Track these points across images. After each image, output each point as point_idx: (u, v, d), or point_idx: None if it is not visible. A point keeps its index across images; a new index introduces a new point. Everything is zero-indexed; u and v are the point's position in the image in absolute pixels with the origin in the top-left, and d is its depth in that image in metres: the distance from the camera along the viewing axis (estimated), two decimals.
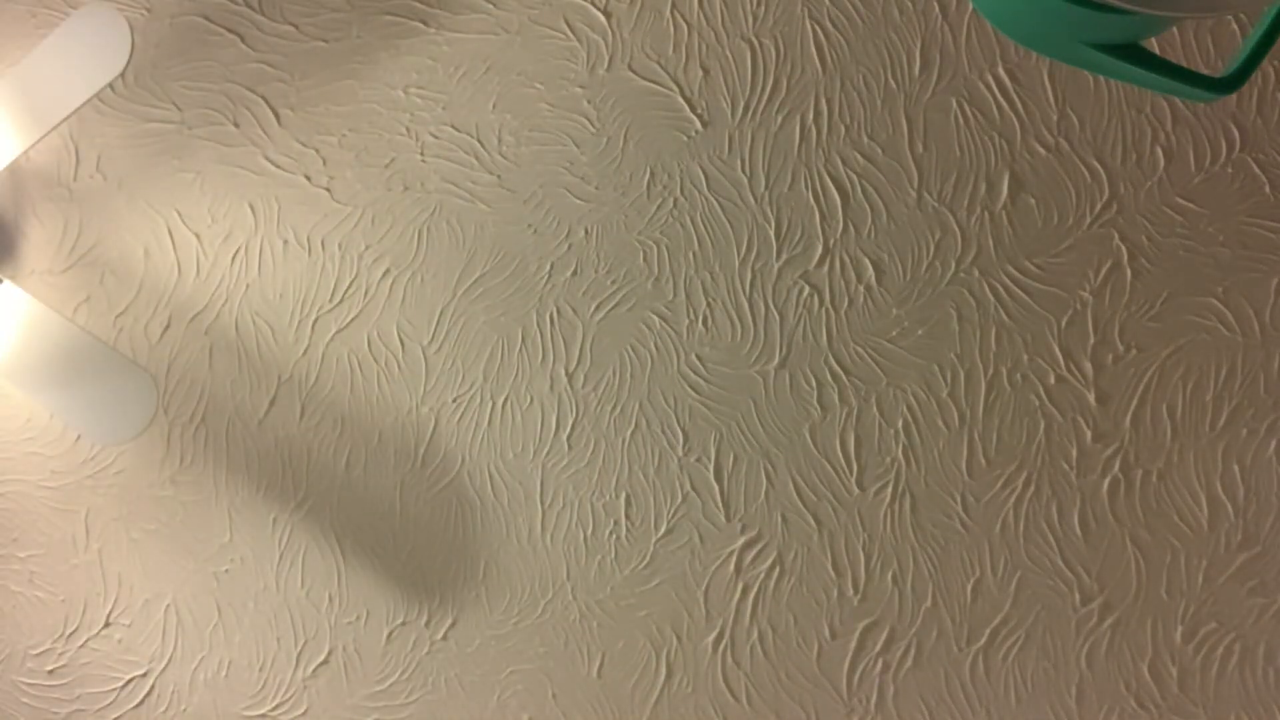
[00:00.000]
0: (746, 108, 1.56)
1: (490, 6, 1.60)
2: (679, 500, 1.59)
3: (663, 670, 1.60)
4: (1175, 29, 1.48)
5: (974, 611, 1.55)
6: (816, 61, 1.55)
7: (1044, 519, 1.53)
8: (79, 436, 1.69)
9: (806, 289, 1.55)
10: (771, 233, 1.56)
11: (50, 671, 1.72)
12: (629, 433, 1.59)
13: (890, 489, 1.55)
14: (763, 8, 1.55)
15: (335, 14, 1.63)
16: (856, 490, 1.56)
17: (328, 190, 1.64)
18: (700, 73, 1.57)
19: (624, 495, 1.60)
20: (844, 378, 1.55)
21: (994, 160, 1.52)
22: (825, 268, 1.55)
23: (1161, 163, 1.50)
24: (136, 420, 1.48)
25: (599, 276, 1.59)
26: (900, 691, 1.56)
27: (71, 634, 1.71)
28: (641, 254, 1.58)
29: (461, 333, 1.62)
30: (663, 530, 1.59)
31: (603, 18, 1.58)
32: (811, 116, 1.54)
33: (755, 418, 1.57)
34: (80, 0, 1.68)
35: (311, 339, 1.65)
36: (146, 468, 1.68)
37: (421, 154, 1.62)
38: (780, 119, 1.55)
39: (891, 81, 1.53)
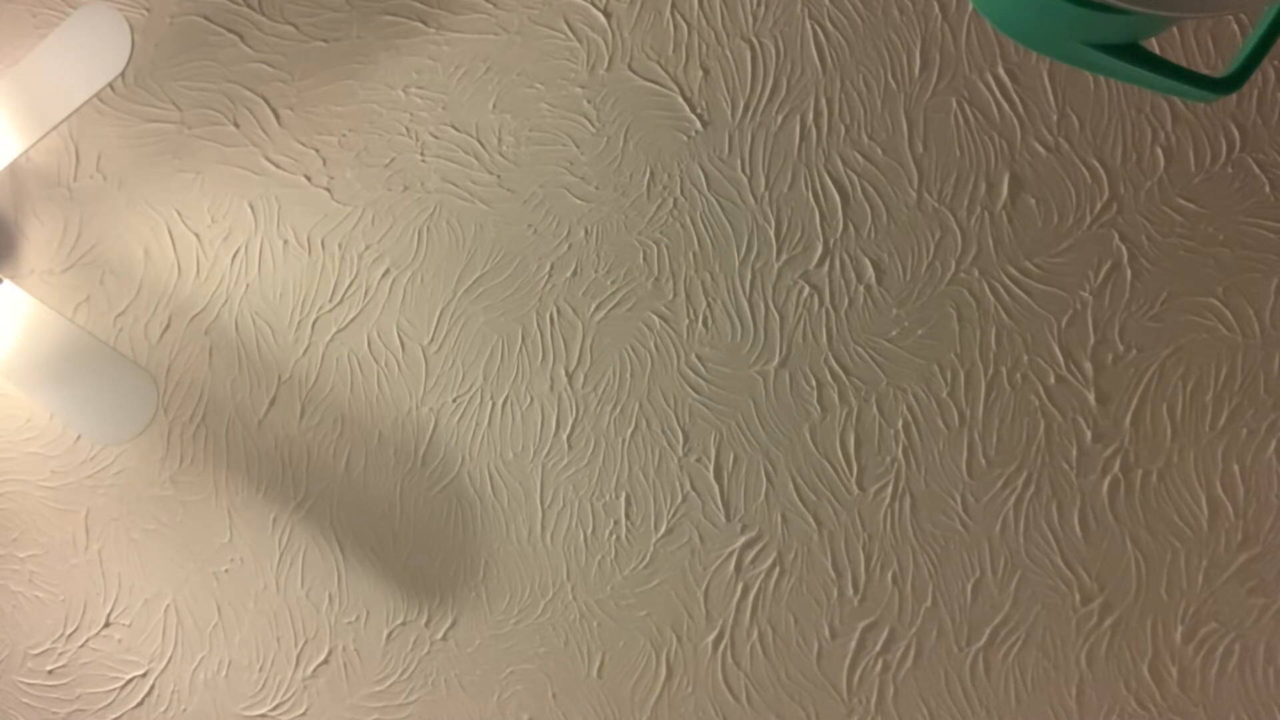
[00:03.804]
0: (746, 108, 1.56)
1: (490, 6, 1.60)
2: (679, 500, 1.59)
3: (663, 670, 1.60)
4: (1175, 29, 1.48)
5: (974, 611, 1.55)
6: (816, 61, 1.55)
7: (1044, 519, 1.53)
8: (79, 436, 1.69)
9: (806, 289, 1.55)
10: (771, 233, 1.56)
11: (50, 671, 1.72)
12: (629, 433, 1.59)
13: (890, 489, 1.55)
14: (763, 8, 1.55)
15: (335, 14, 1.63)
16: (856, 490, 1.56)
17: (328, 190, 1.64)
18: (700, 73, 1.57)
19: (624, 495, 1.60)
20: (844, 378, 1.55)
21: (994, 160, 1.52)
22: (825, 268, 1.55)
23: (1161, 163, 1.50)
24: (136, 420, 1.48)
25: (599, 276, 1.59)
26: (900, 691, 1.56)
27: (71, 634, 1.71)
28: (641, 254, 1.58)
29: (461, 333, 1.62)
30: (663, 530, 1.59)
31: (603, 18, 1.58)
32: (811, 116, 1.54)
33: (755, 418, 1.57)
34: (80, 0, 1.68)
35: (311, 339, 1.65)
36: (146, 468, 1.68)
37: (421, 154, 1.62)
38: (780, 119, 1.55)
39: (891, 81, 1.53)
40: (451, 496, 1.63)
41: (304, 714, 1.67)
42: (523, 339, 1.61)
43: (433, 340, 1.63)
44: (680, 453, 1.58)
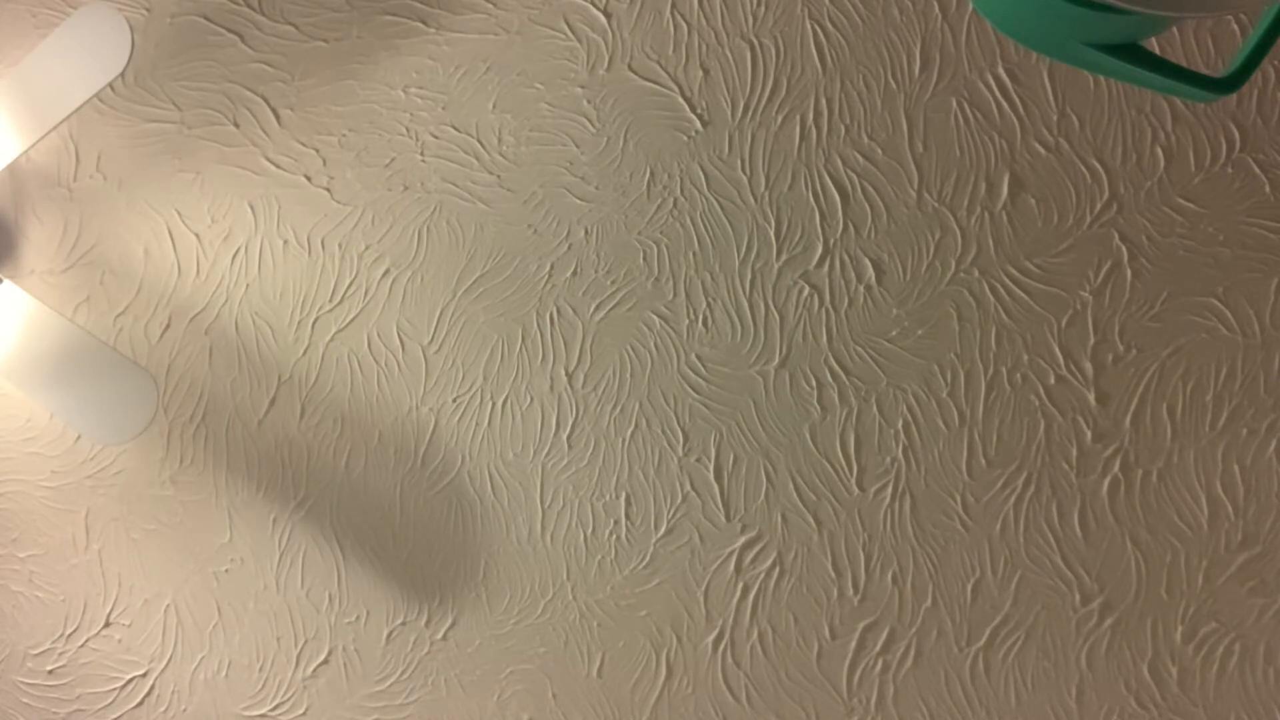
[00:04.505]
0: (746, 108, 1.56)
1: (490, 6, 1.60)
2: (679, 500, 1.59)
3: (663, 670, 1.60)
4: (1175, 29, 1.48)
5: (974, 611, 1.55)
6: (816, 61, 1.55)
7: (1044, 519, 1.53)
8: (79, 436, 1.69)
9: (806, 289, 1.55)
10: (771, 233, 1.56)
11: (50, 671, 1.72)
12: (629, 433, 1.59)
13: (890, 489, 1.55)
14: (763, 8, 1.55)
15: (335, 14, 1.63)
16: (856, 490, 1.56)
17: (328, 190, 1.64)
18: (700, 73, 1.57)
19: (624, 495, 1.60)
20: (844, 378, 1.55)
21: (994, 160, 1.52)
22: (825, 268, 1.55)
23: (1161, 163, 1.50)
24: (136, 420, 1.48)
25: (599, 276, 1.59)
26: (900, 691, 1.56)
27: (71, 634, 1.71)
28: (641, 254, 1.58)
29: (461, 333, 1.62)
30: (663, 530, 1.59)
31: (603, 18, 1.58)
32: (811, 116, 1.55)
33: (755, 418, 1.57)
34: (80, 0, 1.68)
35: (311, 339, 1.65)
36: (146, 468, 1.68)
37: (421, 154, 1.62)
38: (780, 119, 1.55)
39: (891, 81, 1.53)
40: (451, 496, 1.63)
41: (304, 714, 1.67)
42: (523, 339, 1.61)
43: (433, 340, 1.63)
44: (680, 453, 1.58)
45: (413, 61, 1.62)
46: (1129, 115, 1.50)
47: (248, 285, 1.66)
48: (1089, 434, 1.52)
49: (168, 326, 1.67)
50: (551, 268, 1.60)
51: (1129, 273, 1.51)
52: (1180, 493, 1.51)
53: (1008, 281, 1.52)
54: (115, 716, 1.72)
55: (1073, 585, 1.52)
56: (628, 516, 1.60)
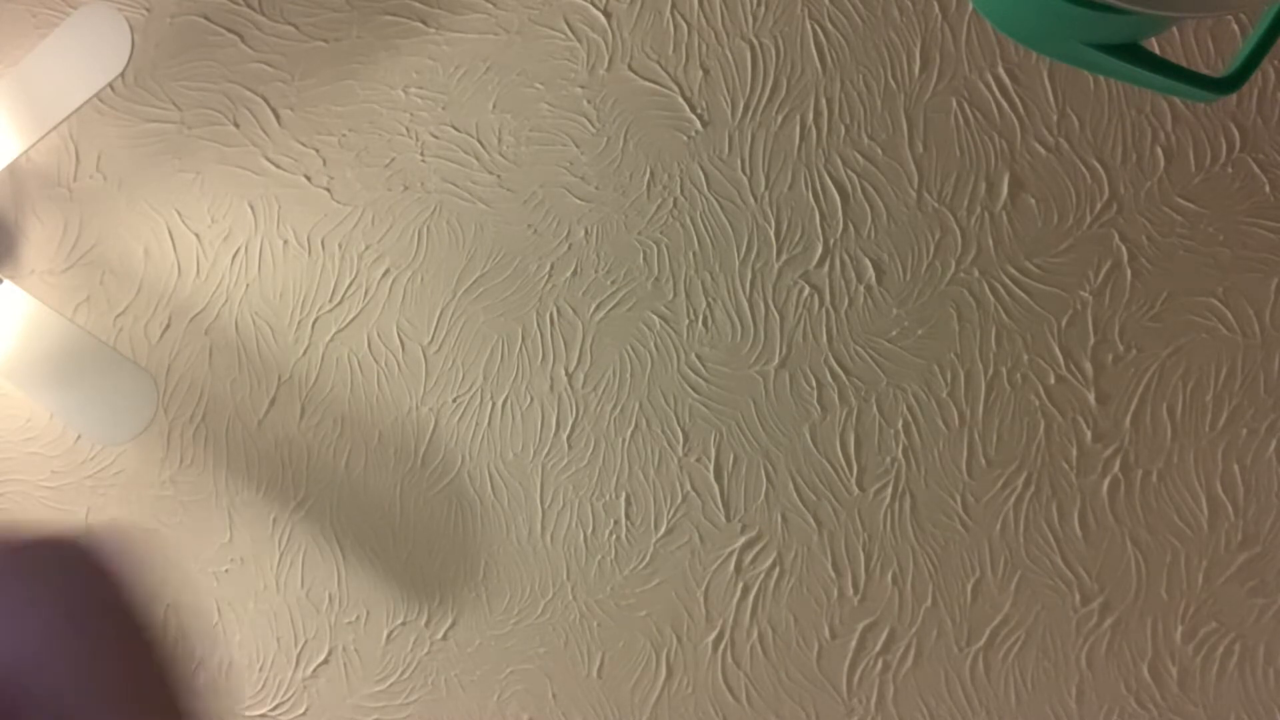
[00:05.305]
0: (746, 108, 1.56)
1: (490, 6, 1.60)
2: (679, 500, 1.59)
3: (663, 670, 1.60)
4: (1175, 29, 1.48)
5: (974, 611, 1.55)
6: (816, 61, 1.55)
7: (1044, 519, 1.53)
8: (79, 436, 1.69)
9: (806, 289, 1.55)
10: (771, 233, 1.56)
11: None
12: (629, 433, 1.59)
13: (890, 489, 1.55)
14: (763, 8, 1.55)
15: (335, 14, 1.63)
16: (856, 490, 1.56)
17: (328, 190, 1.64)
18: (700, 73, 1.57)
19: (624, 495, 1.60)
20: (844, 378, 1.55)
21: (994, 160, 1.52)
22: (825, 268, 1.55)
23: (1161, 163, 1.50)
24: (136, 420, 1.48)
25: (599, 276, 1.59)
26: (900, 691, 1.56)
27: None
28: (641, 254, 1.58)
29: (461, 333, 1.62)
30: (663, 530, 1.59)
31: (603, 18, 1.58)
32: (811, 116, 1.54)
33: (755, 418, 1.57)
34: (80, 0, 1.68)
35: (311, 339, 1.65)
36: (146, 468, 1.68)
37: (421, 154, 1.62)
38: (780, 119, 1.55)
39: (891, 81, 1.53)
40: (451, 496, 1.63)
41: (304, 714, 1.67)
42: (523, 339, 1.61)
43: (433, 340, 1.63)
44: (680, 453, 1.58)
45: (413, 61, 1.62)
46: (1129, 115, 1.50)
47: (248, 285, 1.66)
48: (1089, 434, 1.52)
49: (168, 326, 1.67)
50: (551, 268, 1.60)
51: (1129, 273, 1.51)
52: (1180, 493, 1.51)
53: (1008, 281, 1.52)
54: None
55: (1073, 585, 1.52)
56: (628, 516, 1.60)
